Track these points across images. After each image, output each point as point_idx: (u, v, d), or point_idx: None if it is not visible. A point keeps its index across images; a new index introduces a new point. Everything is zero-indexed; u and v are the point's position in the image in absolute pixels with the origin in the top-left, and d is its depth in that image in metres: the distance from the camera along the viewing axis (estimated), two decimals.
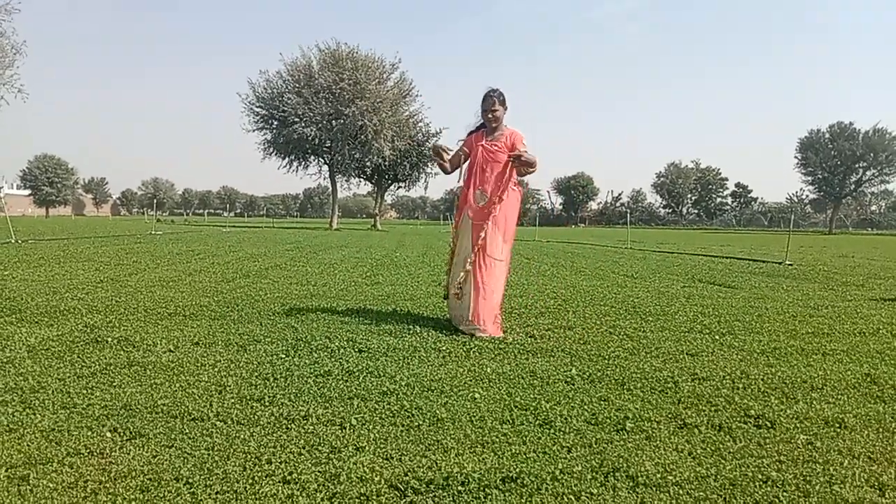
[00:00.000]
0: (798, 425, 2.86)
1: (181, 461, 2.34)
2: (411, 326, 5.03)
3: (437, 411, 2.93)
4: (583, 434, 2.70)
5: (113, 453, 2.41)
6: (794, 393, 3.38)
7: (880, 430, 2.84)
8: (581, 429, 2.76)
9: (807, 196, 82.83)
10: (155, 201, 79.39)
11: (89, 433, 2.59)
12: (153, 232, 25.99)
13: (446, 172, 5.49)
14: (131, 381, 3.36)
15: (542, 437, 2.65)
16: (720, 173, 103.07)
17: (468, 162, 5.38)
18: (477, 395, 3.21)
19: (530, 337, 4.77)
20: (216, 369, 3.61)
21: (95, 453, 2.40)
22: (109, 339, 4.31)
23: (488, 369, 3.73)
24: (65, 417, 2.76)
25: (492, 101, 5.26)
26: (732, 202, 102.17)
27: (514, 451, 2.51)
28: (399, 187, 50.85)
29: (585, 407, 3.06)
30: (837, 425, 2.88)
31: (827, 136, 69.52)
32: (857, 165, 67.72)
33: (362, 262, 12.00)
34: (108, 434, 2.59)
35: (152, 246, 15.76)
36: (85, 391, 3.15)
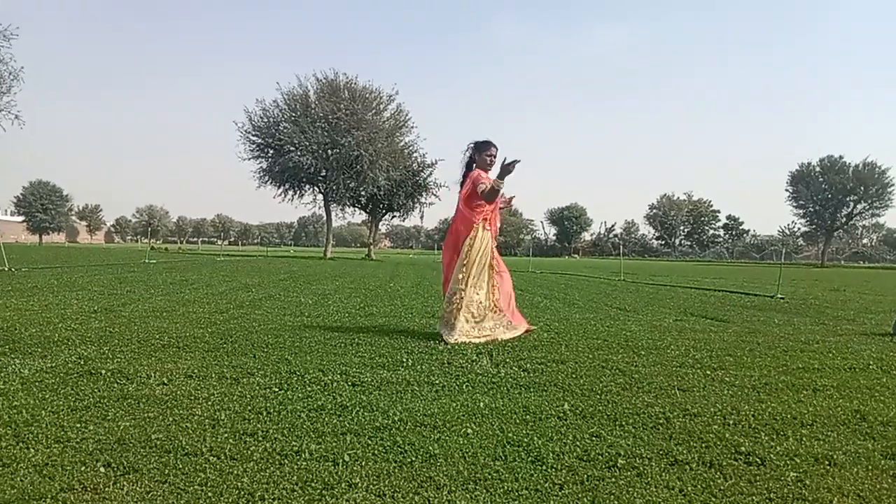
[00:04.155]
0: (788, 462, 2.88)
1: (174, 497, 2.35)
2: (405, 359, 5.05)
3: (430, 447, 2.94)
4: (575, 471, 2.71)
5: (106, 489, 2.41)
6: (784, 429, 3.40)
7: (869, 467, 2.86)
8: (573, 465, 2.78)
9: (798, 229, 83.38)
10: (149, 229, 79.39)
11: (83, 468, 2.59)
12: (147, 260, 25.95)
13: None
14: (125, 414, 3.37)
15: (535, 474, 2.67)
16: (712, 205, 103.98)
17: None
18: (469, 431, 3.22)
19: (523, 371, 4.79)
20: (209, 403, 3.62)
21: (89, 489, 2.41)
22: (103, 371, 4.31)
23: (481, 404, 3.75)
24: (58, 452, 2.77)
25: (496, 149, 6.64)
26: (724, 234, 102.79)
27: (506, 488, 2.52)
28: (394, 216, 51.01)
29: (577, 443, 3.07)
30: (827, 462, 2.90)
31: (818, 169, 70.27)
32: (847, 199, 68.35)
33: (356, 292, 12.02)
34: (102, 469, 2.59)
35: (146, 275, 15.75)
36: (79, 425, 3.15)
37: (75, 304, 8.34)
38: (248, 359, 4.95)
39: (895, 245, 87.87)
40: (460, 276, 6.38)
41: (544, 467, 2.75)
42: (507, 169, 6.23)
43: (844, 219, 70.42)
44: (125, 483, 2.47)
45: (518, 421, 3.45)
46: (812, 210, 70.86)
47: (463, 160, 6.80)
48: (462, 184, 6.73)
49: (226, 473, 2.57)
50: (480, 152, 6.62)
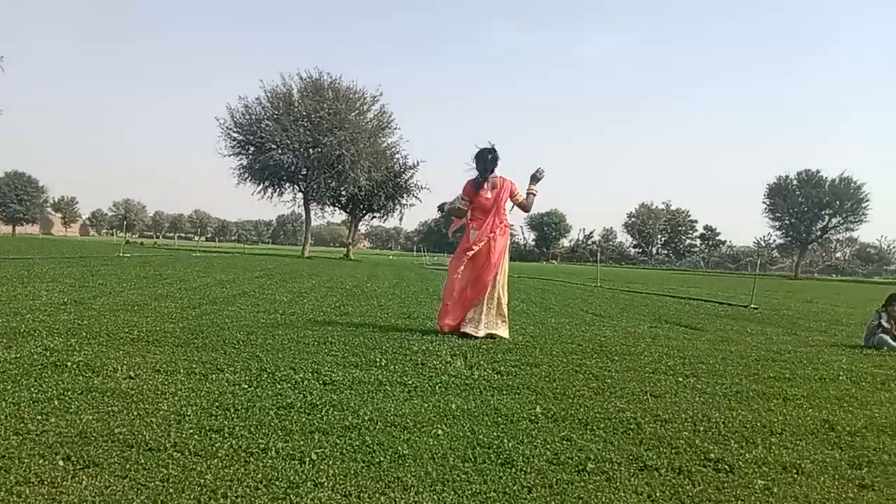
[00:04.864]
0: (756, 470, 2.89)
1: (134, 493, 2.29)
2: (378, 359, 5.01)
3: (399, 448, 2.91)
4: (544, 474, 2.69)
5: (64, 483, 2.35)
6: (753, 437, 3.41)
7: (836, 476, 2.87)
8: (542, 469, 2.76)
9: (774, 241, 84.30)
10: (125, 223, 78.50)
11: (41, 461, 2.53)
12: (121, 254, 25.62)
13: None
14: (88, 407, 3.29)
15: (504, 477, 2.64)
16: (690, 215, 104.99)
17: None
18: (440, 432, 3.19)
19: (497, 373, 4.77)
20: (176, 398, 3.55)
21: (46, 482, 2.34)
22: (69, 364, 4.22)
23: (453, 405, 3.72)
24: (17, 444, 2.69)
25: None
26: (701, 244, 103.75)
27: (474, 490, 2.49)
28: (373, 217, 50.83)
29: (548, 446, 3.06)
30: (795, 471, 2.91)
31: (794, 182, 71.17)
32: (823, 212, 69.26)
33: (332, 291, 11.94)
34: (61, 462, 2.52)
35: (119, 268, 15.53)
36: (40, 417, 3.07)
37: (45, 296, 8.20)
38: (219, 355, 4.88)
39: (868, 259, 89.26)
40: (503, 279, 6.86)
41: (514, 470, 2.73)
42: (538, 177, 7.06)
43: (819, 232, 71.35)
44: (84, 477, 2.40)
45: (489, 423, 3.43)
46: (788, 223, 71.75)
47: (478, 160, 6.89)
48: (493, 188, 6.89)
49: (189, 470, 2.52)
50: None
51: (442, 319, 6.85)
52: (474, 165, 6.91)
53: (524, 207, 7.06)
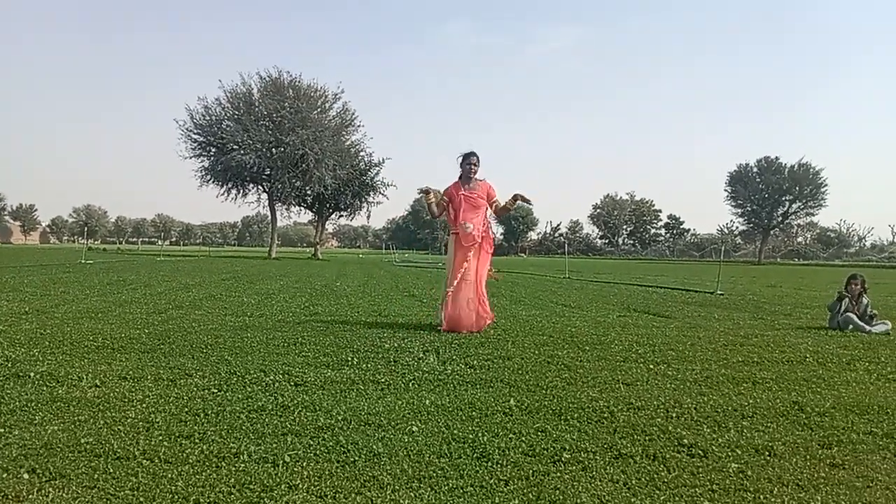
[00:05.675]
0: (729, 454, 2.92)
1: (103, 502, 2.24)
2: (350, 358, 4.97)
3: (374, 446, 2.88)
4: (520, 466, 2.69)
5: (29, 496, 2.28)
6: (725, 421, 3.45)
7: (807, 457, 2.91)
8: (518, 461, 2.75)
9: (737, 228, 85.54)
10: (86, 229, 77.00)
11: (5, 475, 2.45)
12: (84, 261, 25.12)
13: (433, 216, 7.36)
14: (53, 418, 3.21)
15: (480, 471, 2.63)
16: (654, 205, 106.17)
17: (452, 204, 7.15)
18: (415, 429, 3.17)
19: (470, 367, 4.77)
20: (144, 405, 3.48)
21: (10, 497, 2.27)
22: (32, 374, 4.12)
23: (427, 402, 3.70)
24: None
25: (475, 159, 7.10)
26: (666, 233, 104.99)
27: (451, 485, 2.48)
28: (340, 216, 50.47)
29: (523, 438, 3.06)
30: (767, 453, 2.94)
31: (755, 169, 72.21)
32: (783, 198, 70.40)
33: (301, 291, 11.84)
34: (26, 475, 2.45)
35: (82, 275, 15.23)
36: (2, 430, 2.98)
37: (5, 306, 7.99)
38: (187, 360, 4.79)
39: (828, 243, 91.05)
40: None
41: (490, 463, 2.72)
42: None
43: (780, 218, 72.47)
44: (51, 489, 2.34)
45: (464, 418, 3.42)
46: (749, 209, 72.78)
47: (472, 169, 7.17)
48: (479, 193, 7.17)
49: (159, 477, 2.47)
50: (465, 162, 7.14)
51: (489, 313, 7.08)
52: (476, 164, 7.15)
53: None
